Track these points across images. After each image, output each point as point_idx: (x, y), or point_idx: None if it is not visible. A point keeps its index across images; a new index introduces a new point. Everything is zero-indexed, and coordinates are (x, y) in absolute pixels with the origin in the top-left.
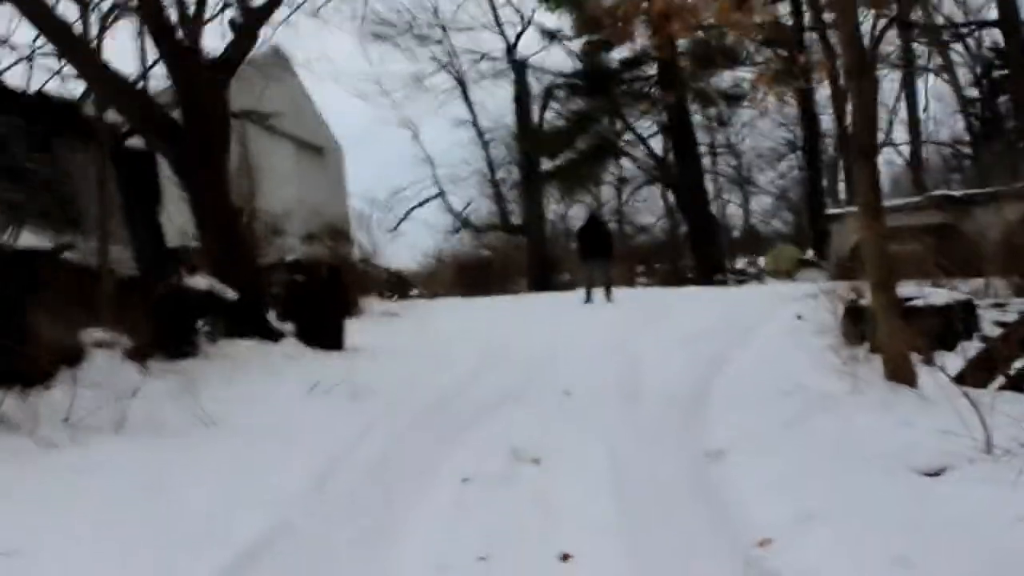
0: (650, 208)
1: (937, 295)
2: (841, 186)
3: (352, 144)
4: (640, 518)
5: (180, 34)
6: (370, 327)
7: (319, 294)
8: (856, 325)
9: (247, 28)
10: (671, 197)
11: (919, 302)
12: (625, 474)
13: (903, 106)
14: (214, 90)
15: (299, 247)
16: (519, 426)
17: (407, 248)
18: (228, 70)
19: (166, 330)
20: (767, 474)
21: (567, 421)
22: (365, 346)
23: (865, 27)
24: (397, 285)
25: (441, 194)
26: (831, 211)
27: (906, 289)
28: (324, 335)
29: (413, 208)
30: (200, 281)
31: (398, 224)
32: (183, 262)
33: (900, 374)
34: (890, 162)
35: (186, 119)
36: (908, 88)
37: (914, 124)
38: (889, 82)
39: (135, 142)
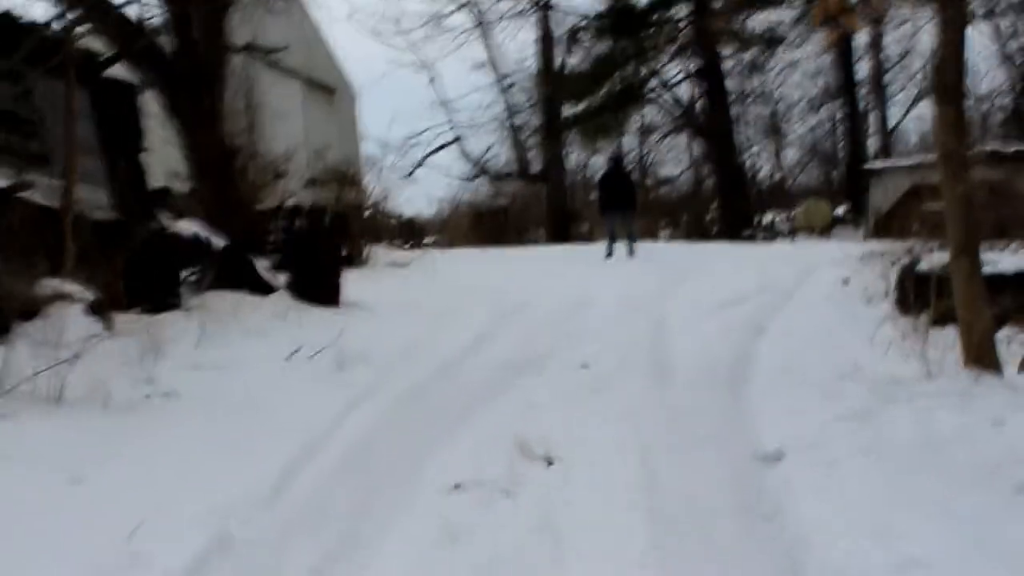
0: (674, 159)
1: (1007, 262)
2: (872, 140)
3: (367, 87)
4: (680, 554)
5: None
6: (374, 279)
7: (316, 243)
8: (915, 293)
9: None
10: (696, 147)
11: (987, 269)
12: (659, 484)
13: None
14: (210, 16)
15: (302, 192)
16: (527, 412)
17: (422, 195)
18: None
19: (146, 280)
20: (842, 494)
21: (585, 406)
22: (365, 301)
23: None
24: (410, 233)
25: (458, 140)
26: (870, 165)
27: None
28: (319, 289)
29: (429, 154)
30: (186, 227)
31: (413, 170)
32: (168, 206)
33: (983, 358)
34: (921, 117)
35: (177, 48)
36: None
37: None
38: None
39: (118, 72)
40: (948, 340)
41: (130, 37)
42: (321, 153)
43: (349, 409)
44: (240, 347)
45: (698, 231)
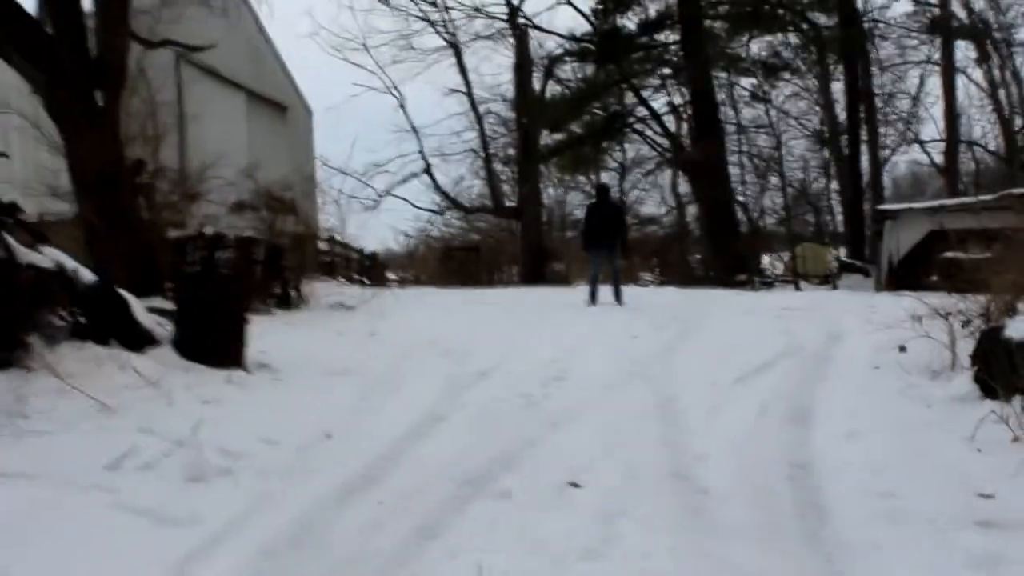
0: (656, 196)
1: None
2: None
3: (328, 110)
4: None
5: None
6: (308, 327)
7: (213, 283)
8: (1007, 368)
9: None
10: (682, 184)
11: None
12: None
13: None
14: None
15: (228, 218)
16: None
17: (388, 228)
18: None
19: None
20: None
21: None
22: (281, 360)
23: None
24: (370, 269)
25: (427, 170)
26: (885, 208)
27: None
28: (214, 344)
29: (396, 184)
30: (44, 256)
31: (378, 200)
32: (22, 227)
33: None
34: (915, 161)
35: (59, 33)
36: (947, 78)
37: (950, 119)
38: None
39: None
40: None
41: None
42: (253, 172)
43: None
44: (58, 439)
45: (685, 275)
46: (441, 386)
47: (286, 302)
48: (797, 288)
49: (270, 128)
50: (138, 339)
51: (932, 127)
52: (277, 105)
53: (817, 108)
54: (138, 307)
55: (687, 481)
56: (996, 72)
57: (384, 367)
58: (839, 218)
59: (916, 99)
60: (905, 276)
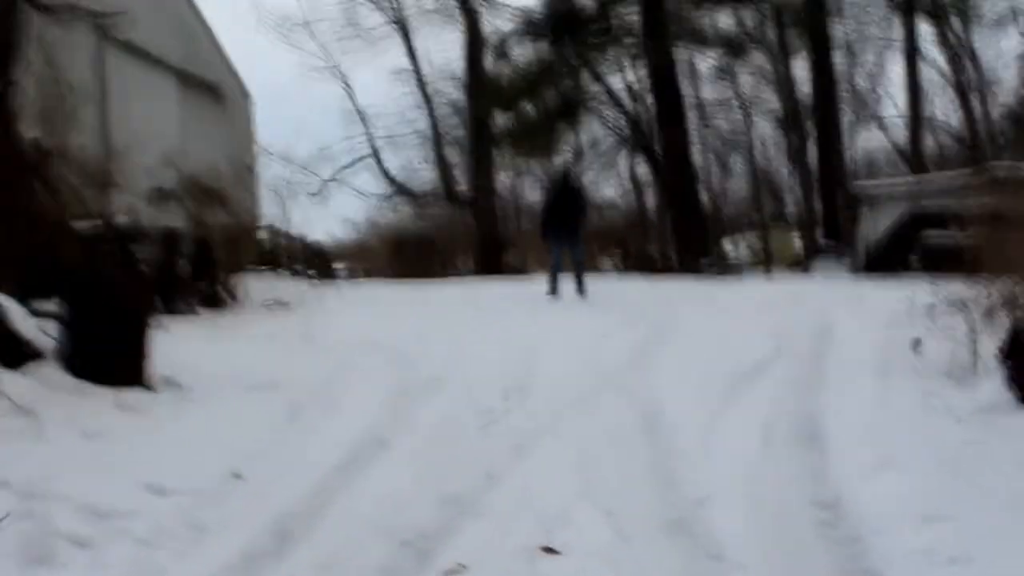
0: (614, 181)
1: None
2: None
3: (272, 96)
4: None
5: None
6: (235, 329)
7: (104, 285)
8: None
9: None
10: (640, 169)
11: None
12: None
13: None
14: None
15: (148, 209)
16: None
17: (336, 217)
18: None
19: None
20: None
21: None
22: (192, 373)
23: None
24: (315, 261)
25: (375, 155)
26: (861, 187)
27: None
28: (110, 357)
29: (342, 169)
30: None
31: (323, 187)
32: None
33: None
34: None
35: None
36: (909, 56)
37: (914, 96)
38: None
39: None
40: None
41: None
42: (175, 159)
43: None
44: None
45: (648, 263)
46: (385, 400)
47: (214, 302)
48: (769, 276)
49: (205, 113)
50: (15, 353)
51: (892, 109)
52: (212, 89)
53: (775, 89)
54: (18, 314)
55: (692, 538)
56: (955, 53)
57: (319, 378)
58: (804, 203)
59: (875, 79)
60: (883, 261)
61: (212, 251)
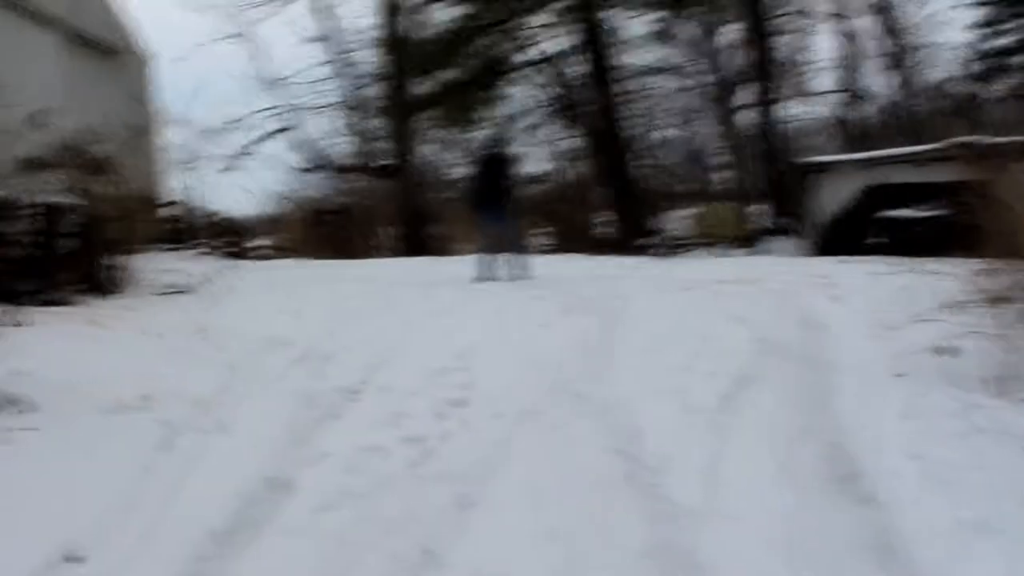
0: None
1: None
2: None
3: (177, 63)
4: None
5: None
6: (114, 323)
7: None
8: None
9: None
10: (569, 140)
11: None
12: None
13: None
14: None
15: (20, 180)
16: None
17: (251, 190)
18: None
19: None
20: None
21: None
22: (44, 385)
23: None
24: (226, 237)
25: (290, 126)
26: (812, 160)
27: None
28: None
29: (255, 141)
30: None
31: (235, 160)
32: None
33: None
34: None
35: None
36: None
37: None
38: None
39: None
40: None
41: None
42: (44, 121)
43: None
44: None
45: (581, 239)
46: (287, 421)
47: (100, 287)
48: (716, 255)
49: (95, 75)
50: None
51: (818, 80)
52: (105, 48)
53: (701, 60)
54: None
55: None
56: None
57: (207, 389)
58: (740, 176)
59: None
60: (838, 238)
61: (97, 229)
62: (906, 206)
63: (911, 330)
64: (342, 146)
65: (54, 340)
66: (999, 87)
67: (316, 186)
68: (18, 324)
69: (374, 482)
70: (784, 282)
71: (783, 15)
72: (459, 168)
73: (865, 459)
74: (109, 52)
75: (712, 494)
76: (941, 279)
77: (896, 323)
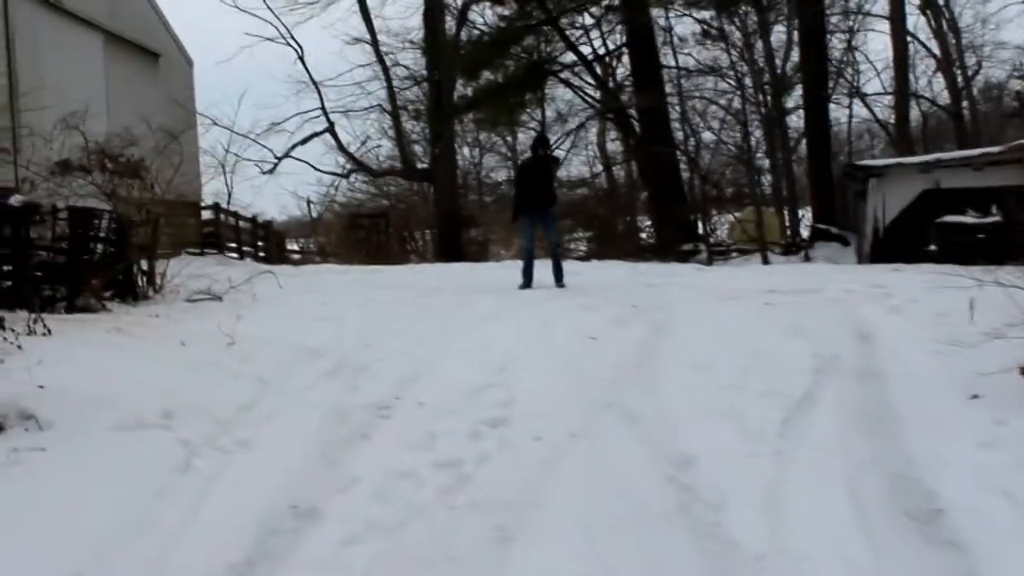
0: (581, 156)
1: None
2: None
3: (220, 65)
4: None
5: None
6: (142, 331)
7: None
8: None
9: None
10: (611, 142)
11: None
12: None
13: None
14: None
15: (48, 183)
16: None
17: (289, 194)
18: None
19: None
20: None
21: None
22: (63, 398)
23: None
24: (264, 240)
25: (330, 129)
26: (868, 164)
27: None
28: None
29: (295, 145)
30: None
31: (275, 164)
32: None
33: None
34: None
35: None
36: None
37: (901, 70)
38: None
39: None
40: None
41: None
42: (75, 120)
43: None
44: None
45: (624, 246)
46: (315, 439)
47: (131, 293)
48: (765, 261)
49: (138, 78)
50: None
51: (875, 82)
52: (147, 52)
53: (743, 63)
54: None
55: None
56: (936, 23)
57: (232, 404)
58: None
59: (852, 48)
60: (893, 244)
61: (130, 233)
62: (964, 212)
63: (984, 347)
64: (381, 150)
65: (79, 350)
66: None
67: (354, 190)
68: (47, 333)
69: (404, 512)
70: (837, 291)
71: (836, 14)
72: (498, 172)
73: (943, 494)
74: (150, 55)
75: (776, 532)
76: (1010, 290)
77: (965, 338)
